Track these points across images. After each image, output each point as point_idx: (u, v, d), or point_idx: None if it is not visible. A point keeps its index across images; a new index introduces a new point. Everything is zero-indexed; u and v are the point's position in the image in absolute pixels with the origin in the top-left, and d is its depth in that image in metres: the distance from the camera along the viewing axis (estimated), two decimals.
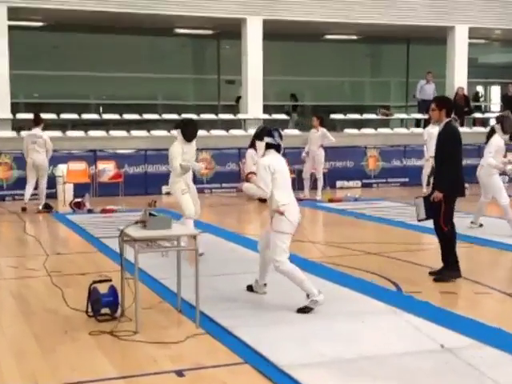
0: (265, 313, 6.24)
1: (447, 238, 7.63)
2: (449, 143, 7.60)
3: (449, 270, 7.61)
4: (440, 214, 7.51)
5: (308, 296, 6.25)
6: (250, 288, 6.96)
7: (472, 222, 10.83)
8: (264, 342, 5.36)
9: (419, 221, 7.89)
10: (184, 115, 18.36)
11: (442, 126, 7.68)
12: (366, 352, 5.17)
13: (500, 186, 10.29)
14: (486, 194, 10.60)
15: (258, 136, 6.49)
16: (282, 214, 6.23)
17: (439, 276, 7.59)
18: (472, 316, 6.06)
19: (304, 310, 6.20)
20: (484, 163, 10.25)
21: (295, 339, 5.45)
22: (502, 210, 10.20)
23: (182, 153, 8.52)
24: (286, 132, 17.58)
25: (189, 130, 8.61)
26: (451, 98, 8.43)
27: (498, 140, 10.28)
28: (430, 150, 15.68)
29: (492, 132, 10.44)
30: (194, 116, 18.64)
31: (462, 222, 10.73)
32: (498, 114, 17.29)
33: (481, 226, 10.80)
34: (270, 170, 6.25)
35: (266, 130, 6.52)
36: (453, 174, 7.54)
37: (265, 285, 6.87)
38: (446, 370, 4.86)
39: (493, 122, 10.76)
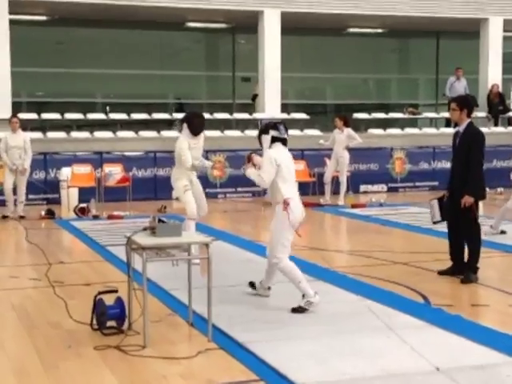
0: (282, 327, 6.22)
1: (478, 238, 7.99)
2: (477, 145, 7.82)
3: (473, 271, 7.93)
4: (470, 218, 7.82)
5: (304, 296, 6.57)
6: (252, 285, 7.23)
7: (491, 227, 10.90)
8: (281, 358, 5.35)
9: (434, 223, 8.37)
10: None
11: (464, 126, 7.92)
12: (391, 370, 5.14)
13: None
14: None
15: (264, 130, 6.84)
16: (287, 205, 6.57)
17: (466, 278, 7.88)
18: (507, 331, 6.02)
19: (298, 310, 6.54)
20: None
21: (315, 355, 5.44)
22: None
23: (189, 148, 8.72)
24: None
25: (195, 123, 8.81)
26: (470, 98, 8.54)
27: None
28: None
29: None
30: (207, 115, 18.72)
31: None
32: None
33: (503, 232, 10.86)
34: (275, 163, 6.61)
35: (271, 124, 6.90)
36: (482, 177, 7.86)
37: (269, 288, 7.13)
38: None
39: None
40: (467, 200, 7.71)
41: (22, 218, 13.23)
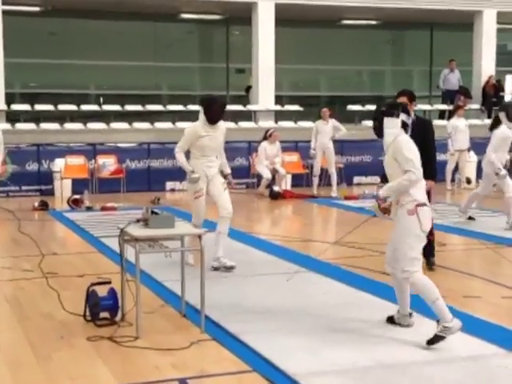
0: (274, 318, 6.23)
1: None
2: (431, 132, 8.15)
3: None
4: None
5: (438, 322, 5.49)
6: (390, 320, 6.03)
7: (460, 211, 11.12)
8: (273, 348, 5.36)
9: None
10: (190, 106, 18.47)
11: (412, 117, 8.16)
12: (383, 360, 5.16)
13: (507, 178, 10.49)
14: (484, 187, 10.77)
15: (391, 112, 5.62)
16: (414, 211, 5.49)
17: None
18: (498, 322, 6.06)
19: (434, 341, 5.40)
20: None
21: (307, 346, 5.45)
22: (506, 202, 10.41)
23: (197, 137, 7.89)
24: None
25: (213, 109, 7.88)
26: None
27: (502, 130, 10.44)
28: (455, 143, 15.74)
29: (497, 121, 10.52)
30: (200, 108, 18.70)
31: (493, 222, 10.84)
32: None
33: (470, 218, 11.02)
34: (414, 152, 5.58)
35: (400, 106, 5.74)
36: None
37: (410, 314, 5.95)
38: (470, 380, 4.85)
39: None
40: (431, 184, 7.92)
41: None
